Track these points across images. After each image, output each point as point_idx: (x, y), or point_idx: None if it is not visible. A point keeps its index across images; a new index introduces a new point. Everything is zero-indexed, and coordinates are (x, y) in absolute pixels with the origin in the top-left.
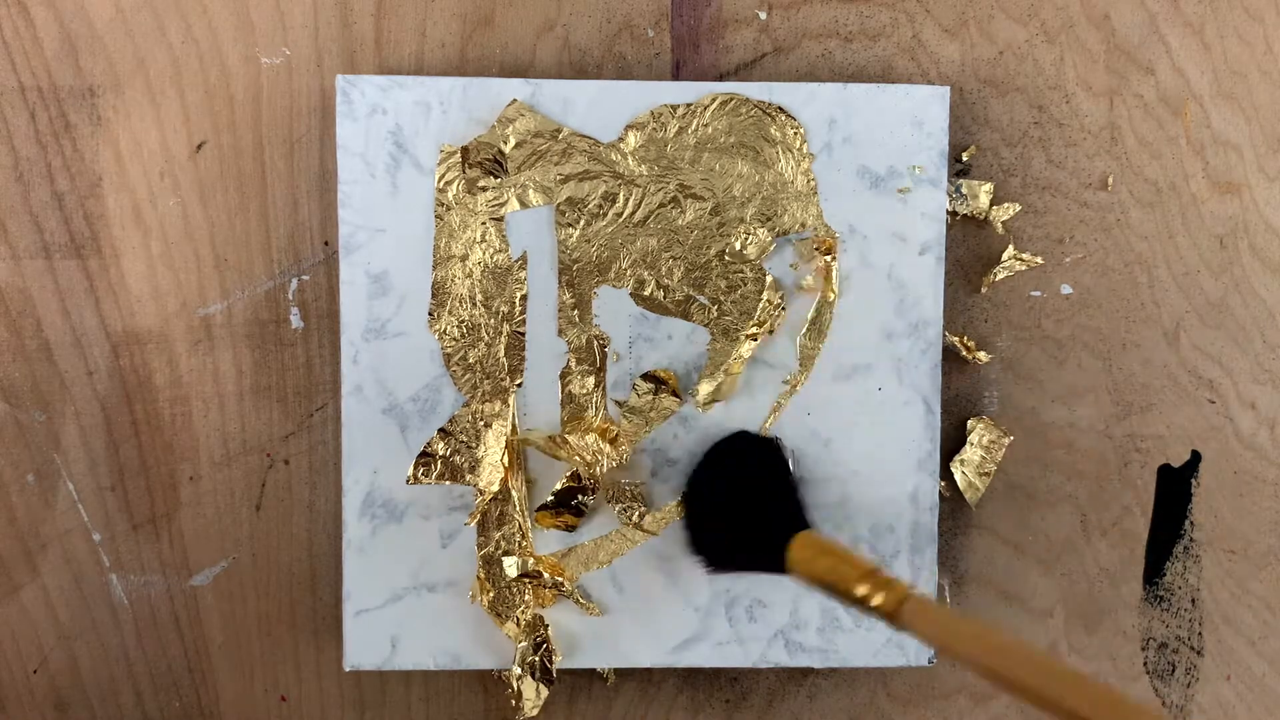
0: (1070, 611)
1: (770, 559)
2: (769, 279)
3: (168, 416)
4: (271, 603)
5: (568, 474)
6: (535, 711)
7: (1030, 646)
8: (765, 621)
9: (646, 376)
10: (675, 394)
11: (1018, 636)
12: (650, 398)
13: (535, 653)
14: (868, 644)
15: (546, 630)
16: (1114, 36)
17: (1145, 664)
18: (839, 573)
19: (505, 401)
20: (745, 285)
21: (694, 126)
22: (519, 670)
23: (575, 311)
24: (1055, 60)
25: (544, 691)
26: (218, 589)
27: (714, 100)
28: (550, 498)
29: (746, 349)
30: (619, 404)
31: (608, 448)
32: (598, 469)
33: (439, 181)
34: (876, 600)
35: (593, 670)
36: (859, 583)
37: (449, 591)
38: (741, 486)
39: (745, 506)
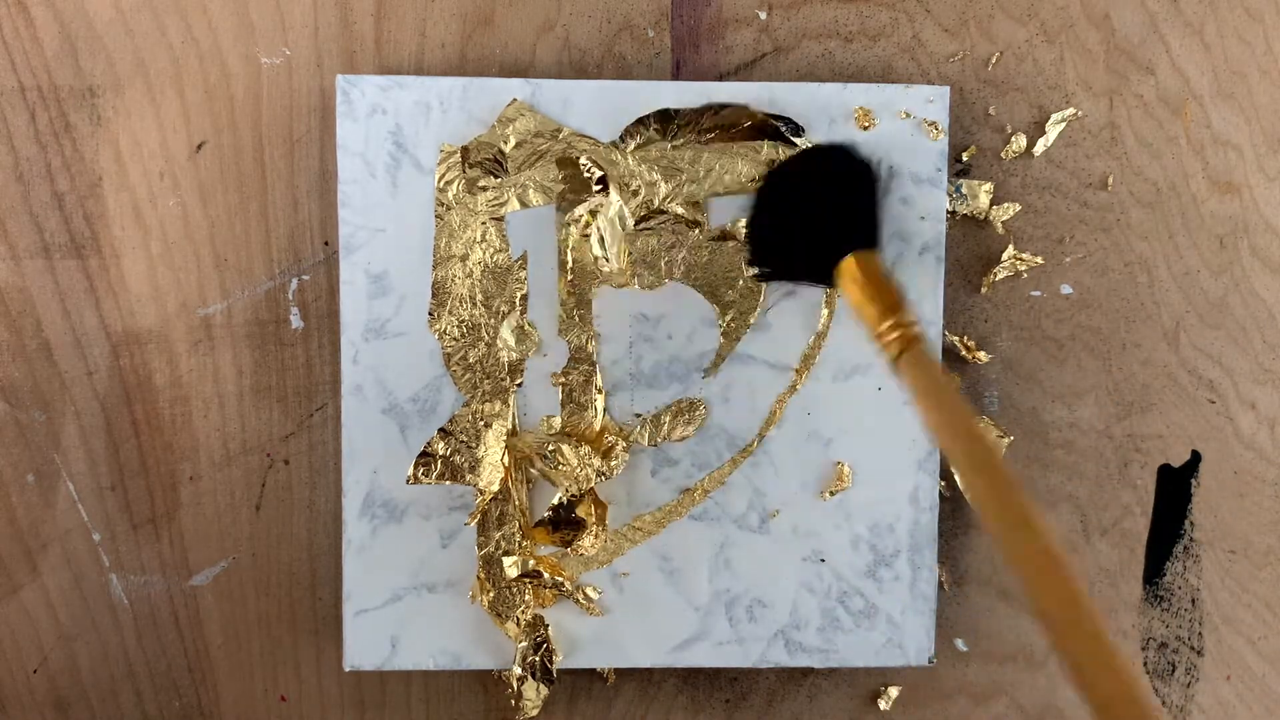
0: None
1: (820, 270)
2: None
3: (168, 416)
4: (271, 603)
5: (559, 498)
6: (535, 711)
7: (990, 446)
8: (765, 621)
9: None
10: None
11: (982, 424)
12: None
13: (535, 653)
14: (868, 644)
15: (546, 630)
16: (1114, 36)
17: (1145, 664)
18: (866, 306)
19: (505, 401)
20: (746, 284)
21: (694, 128)
22: (519, 670)
23: (575, 311)
24: (1055, 60)
25: (544, 691)
26: (218, 589)
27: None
28: (547, 514)
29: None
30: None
31: (598, 462)
32: (587, 484)
33: (439, 181)
34: (887, 345)
35: (593, 670)
36: (879, 321)
37: (449, 591)
38: (815, 194)
39: (812, 214)
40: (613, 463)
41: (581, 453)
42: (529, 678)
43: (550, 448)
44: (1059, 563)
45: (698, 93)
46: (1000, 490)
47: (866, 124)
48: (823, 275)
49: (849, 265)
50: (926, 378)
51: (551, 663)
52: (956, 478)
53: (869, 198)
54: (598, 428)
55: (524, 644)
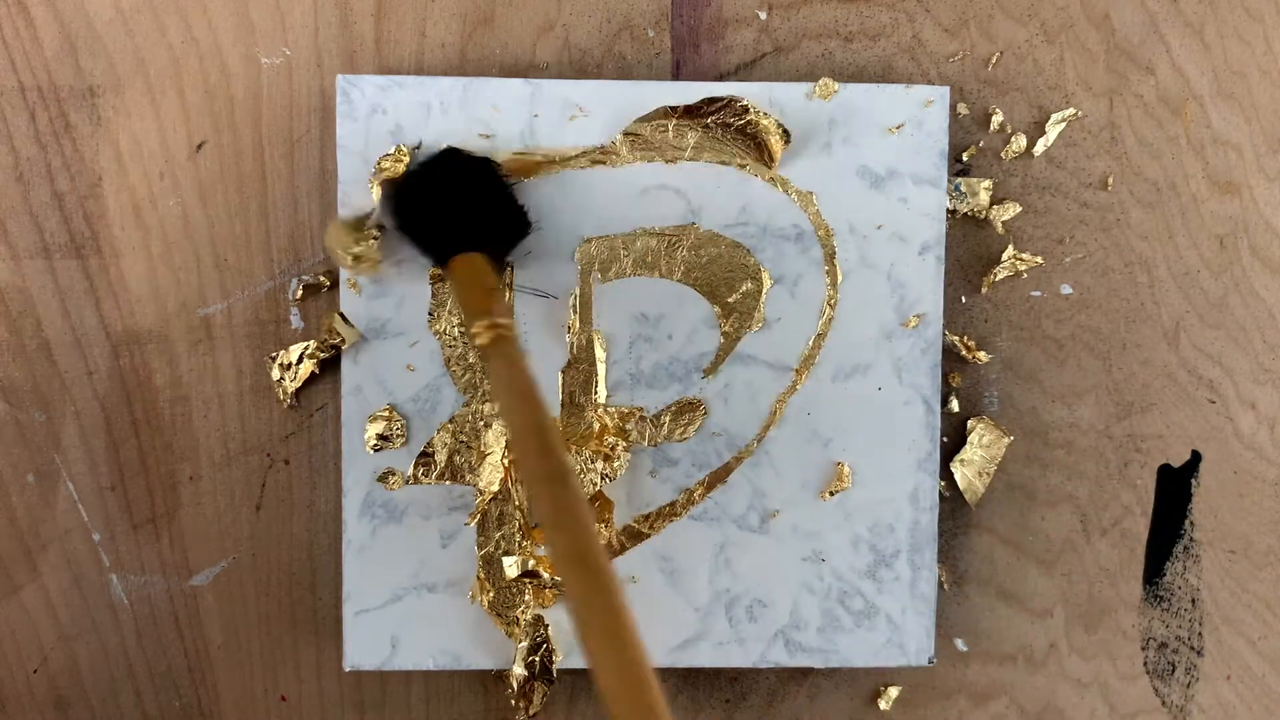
0: (1070, 611)
1: (438, 262)
2: (767, 279)
3: (168, 416)
4: (271, 603)
5: None
6: (536, 711)
7: (551, 454)
8: (765, 621)
9: None
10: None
11: (552, 430)
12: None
13: (535, 653)
14: (868, 644)
15: (546, 630)
16: (1114, 36)
17: (1145, 664)
18: (463, 306)
19: None
20: (746, 285)
21: (693, 126)
22: (520, 670)
23: (576, 311)
24: (1055, 60)
25: (544, 691)
26: (218, 589)
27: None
28: None
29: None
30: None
31: (601, 464)
32: (593, 489)
33: None
34: (479, 340)
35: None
36: (471, 321)
37: (449, 591)
38: (434, 196)
39: (427, 216)
40: (615, 464)
41: (583, 458)
42: (529, 678)
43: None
44: (613, 601)
45: (698, 93)
46: (556, 501)
47: (826, 94)
48: (440, 261)
49: (452, 268)
50: (506, 377)
51: (551, 663)
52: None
53: (482, 202)
54: (597, 429)
55: (524, 644)
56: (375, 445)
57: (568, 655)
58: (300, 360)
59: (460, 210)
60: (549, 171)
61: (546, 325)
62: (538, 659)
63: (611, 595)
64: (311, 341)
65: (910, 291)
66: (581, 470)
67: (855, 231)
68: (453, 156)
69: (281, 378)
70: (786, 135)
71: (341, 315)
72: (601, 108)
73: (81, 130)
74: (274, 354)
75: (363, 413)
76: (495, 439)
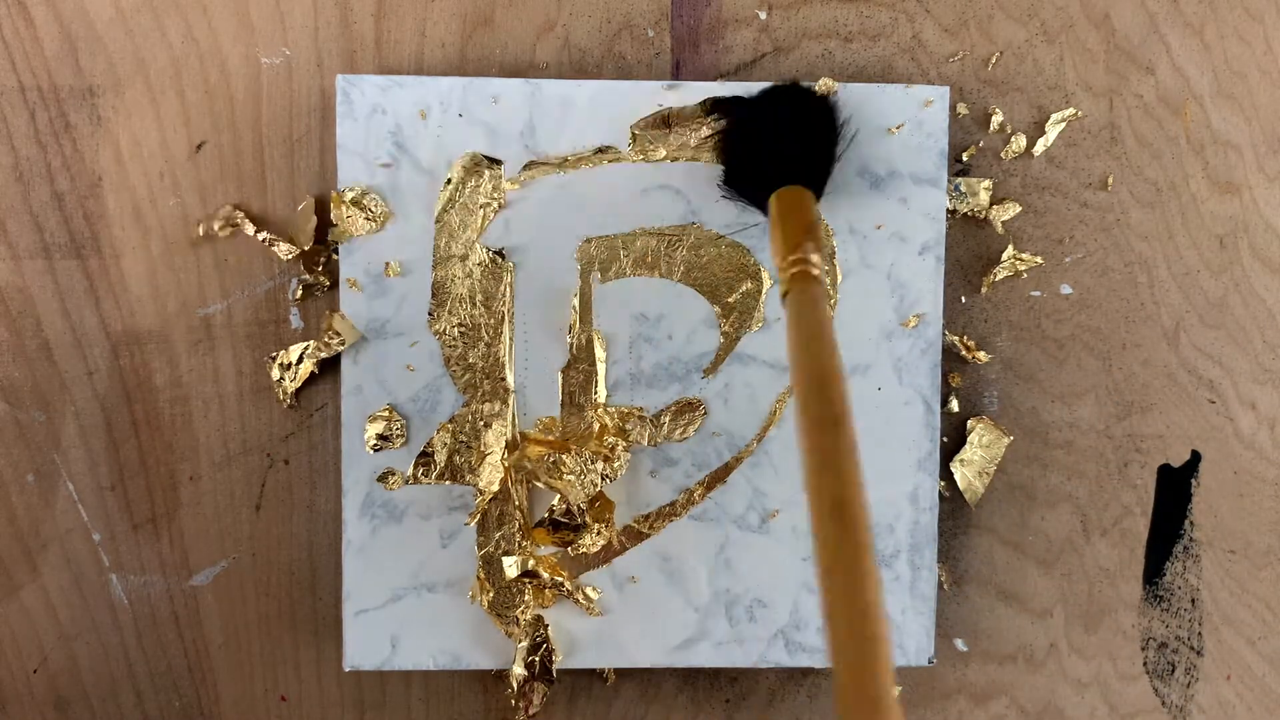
0: (1070, 611)
1: (758, 198)
2: (767, 279)
3: (168, 416)
4: (271, 603)
5: (558, 502)
6: (536, 711)
7: (833, 402)
8: (765, 621)
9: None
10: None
11: (839, 378)
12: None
13: (535, 653)
14: None
15: (546, 630)
16: (1114, 36)
17: (1145, 664)
18: (777, 239)
19: (505, 401)
20: (746, 285)
21: (693, 126)
22: (520, 670)
23: (576, 311)
24: (1055, 60)
25: (544, 691)
26: (218, 589)
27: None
28: (546, 515)
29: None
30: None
31: (601, 465)
32: (594, 490)
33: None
34: (784, 278)
35: (593, 670)
36: (784, 255)
37: (449, 591)
38: (768, 127)
39: (760, 146)
40: (615, 464)
41: (584, 459)
42: (530, 677)
43: (551, 460)
44: (863, 559)
45: (698, 93)
46: (826, 446)
47: (827, 90)
48: (759, 203)
49: (776, 198)
50: (804, 316)
51: (551, 663)
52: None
53: (819, 142)
54: (597, 429)
55: (524, 644)
56: (375, 445)
57: (568, 655)
58: (300, 360)
59: (796, 144)
60: (550, 172)
61: (547, 325)
62: (537, 659)
63: (862, 552)
64: (311, 342)
65: (910, 291)
66: (581, 470)
67: (855, 231)
68: (791, 91)
69: (281, 378)
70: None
71: (341, 314)
72: (602, 108)
73: (81, 130)
74: (274, 354)
75: (363, 413)
76: (495, 439)
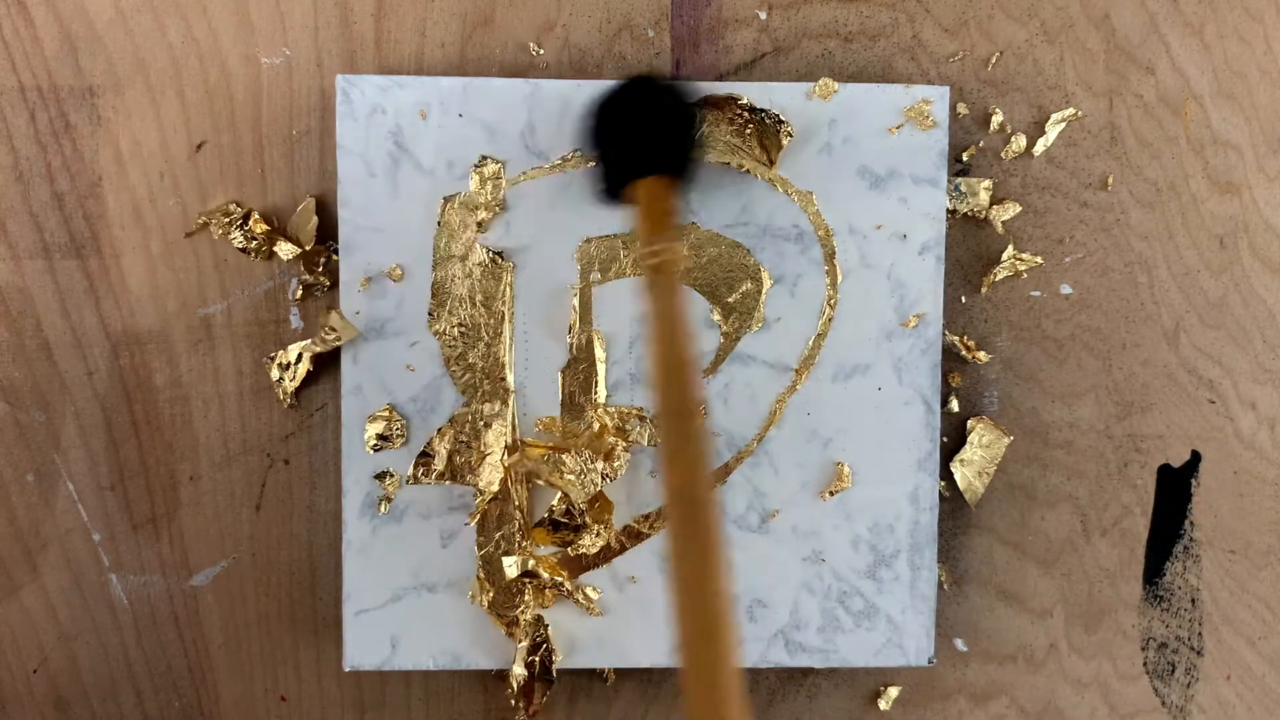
0: (1070, 611)
1: (619, 191)
2: (767, 279)
3: (168, 416)
4: (271, 603)
5: (558, 502)
6: (536, 711)
7: (683, 385)
8: (765, 621)
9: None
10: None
11: (687, 357)
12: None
13: (535, 653)
14: (868, 644)
15: (546, 630)
16: (1114, 36)
17: (1145, 664)
18: (640, 228)
19: (505, 401)
20: (745, 285)
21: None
22: (520, 670)
23: (576, 311)
24: (1055, 60)
25: (544, 691)
26: (218, 589)
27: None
28: (546, 515)
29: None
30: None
31: (601, 465)
32: (594, 489)
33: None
34: (645, 266)
35: (593, 670)
36: (644, 244)
37: (449, 591)
38: (626, 121)
39: (619, 140)
40: (615, 464)
41: (583, 459)
42: (530, 677)
43: (551, 459)
44: (707, 544)
45: (698, 93)
46: (677, 434)
47: (826, 94)
48: (621, 196)
49: (635, 190)
50: (661, 306)
51: (551, 663)
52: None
53: (672, 131)
54: (597, 429)
55: (524, 644)
56: (375, 445)
57: (568, 655)
58: (299, 359)
59: (653, 135)
60: (550, 172)
61: (547, 325)
62: (538, 659)
63: (708, 536)
64: (310, 340)
65: (910, 291)
66: (581, 470)
67: (855, 231)
68: (645, 84)
69: (281, 377)
70: (788, 131)
71: (338, 312)
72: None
73: (81, 130)
74: (273, 354)
75: (363, 413)
76: (495, 439)
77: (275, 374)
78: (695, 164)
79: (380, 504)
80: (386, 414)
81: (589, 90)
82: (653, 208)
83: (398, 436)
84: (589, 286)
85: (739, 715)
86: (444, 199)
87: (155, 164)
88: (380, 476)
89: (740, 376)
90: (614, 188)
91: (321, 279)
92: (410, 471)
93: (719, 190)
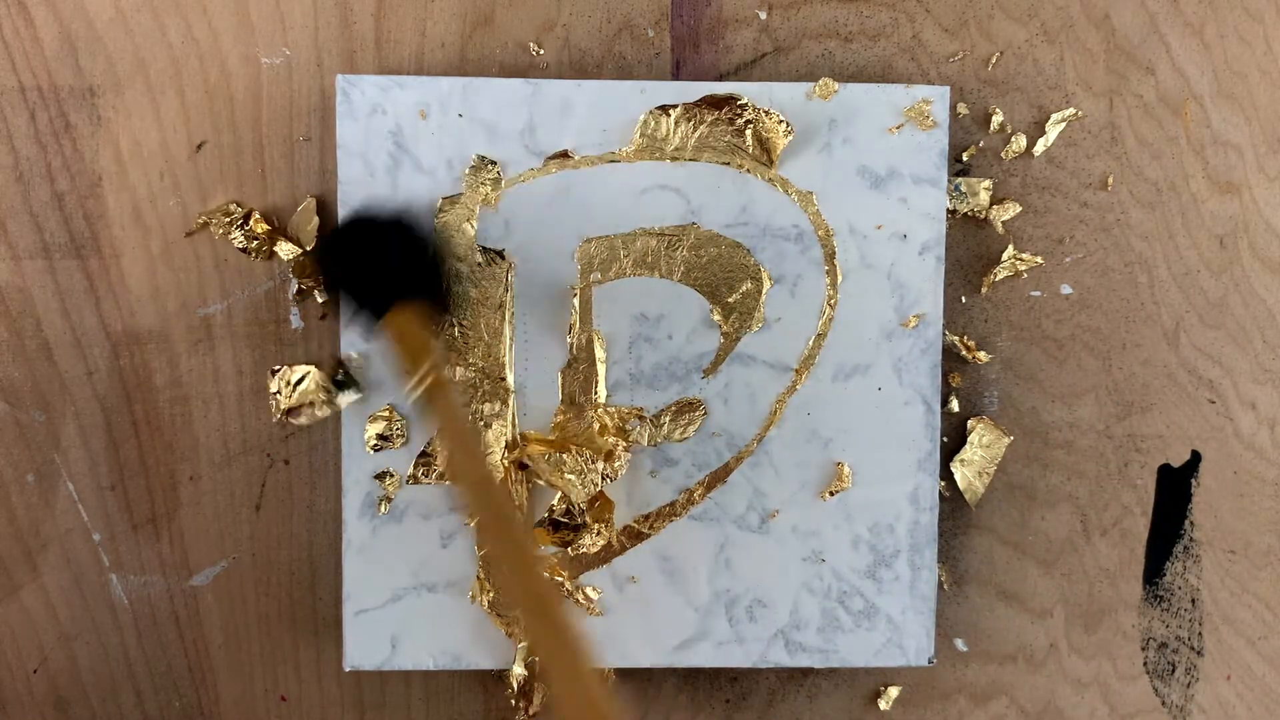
0: (1070, 611)
1: (369, 321)
2: (767, 279)
3: (168, 416)
4: (271, 603)
5: (558, 502)
6: (536, 711)
7: (496, 496)
8: (765, 621)
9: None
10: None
11: (488, 485)
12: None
13: (535, 653)
14: (868, 644)
15: None
16: (1114, 36)
17: (1145, 664)
18: (400, 361)
19: (505, 401)
20: (745, 285)
21: (693, 125)
22: (520, 670)
23: (576, 311)
24: (1055, 60)
25: (544, 691)
26: (218, 589)
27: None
28: (546, 515)
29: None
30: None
31: (601, 465)
32: (595, 489)
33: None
34: (418, 394)
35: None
36: (410, 374)
37: (449, 591)
38: (361, 260)
39: (357, 280)
40: (616, 464)
41: (583, 459)
42: (530, 677)
43: (551, 459)
44: (562, 633)
45: (698, 93)
46: (508, 555)
47: (826, 94)
48: (372, 320)
49: (385, 328)
50: (448, 425)
51: None
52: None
53: (406, 262)
54: (597, 429)
55: (524, 644)
56: (375, 445)
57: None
58: (302, 380)
59: (379, 275)
60: (550, 172)
61: (547, 325)
62: (538, 659)
63: (564, 636)
64: (314, 377)
65: (910, 291)
66: (582, 470)
67: (855, 231)
68: (363, 224)
69: (279, 390)
70: (788, 130)
71: (339, 377)
72: (601, 108)
73: (81, 130)
74: (277, 367)
75: (363, 413)
76: (495, 439)
77: (274, 386)
78: (436, 283)
79: (380, 504)
80: (386, 414)
81: (589, 90)
82: (404, 340)
83: (398, 436)
84: (589, 286)
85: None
86: (444, 199)
87: (155, 164)
88: (380, 476)
89: (740, 376)
90: (367, 324)
91: (311, 285)
92: (410, 471)
93: (719, 190)
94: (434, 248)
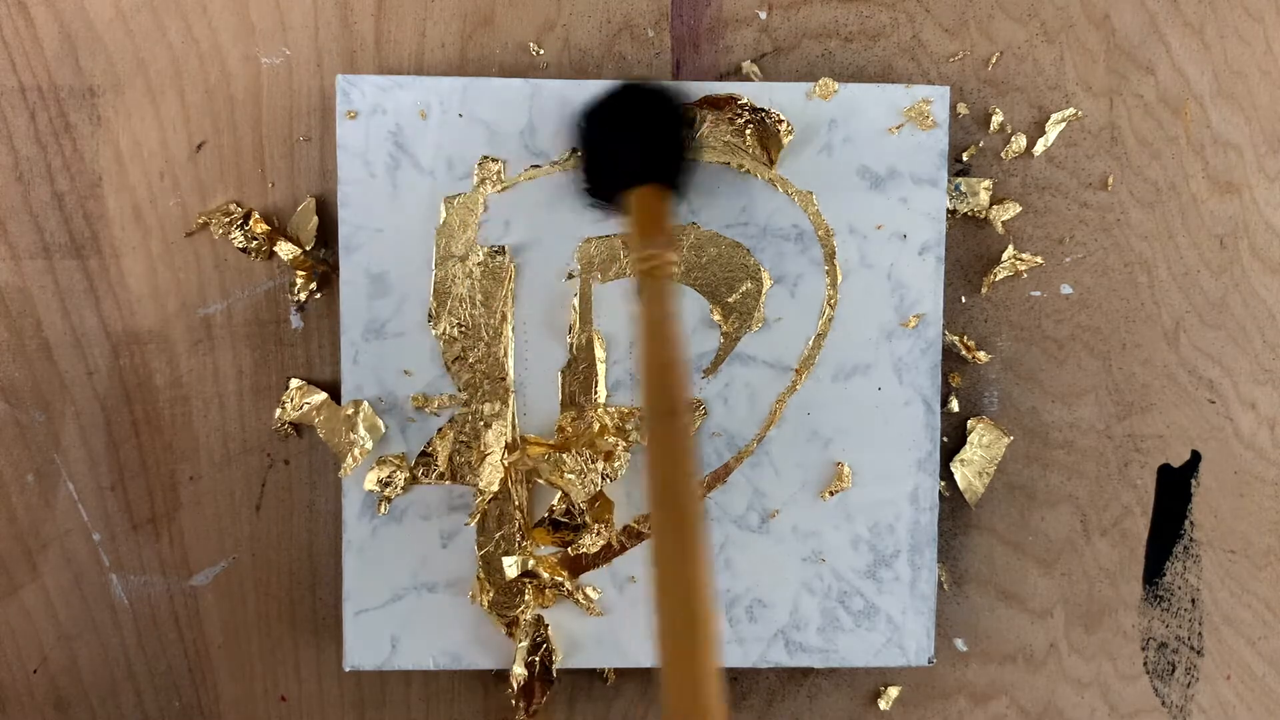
0: (1070, 611)
1: (614, 198)
2: (767, 279)
3: (168, 416)
4: (271, 603)
5: (558, 502)
6: (536, 711)
7: (673, 396)
8: (765, 621)
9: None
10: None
11: (678, 368)
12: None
13: (535, 653)
14: (868, 644)
15: (546, 630)
16: (1114, 36)
17: (1145, 664)
18: (633, 234)
19: (505, 401)
20: (745, 285)
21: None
22: (520, 670)
23: (576, 311)
24: (1055, 60)
25: (544, 691)
26: (218, 589)
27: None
28: (546, 515)
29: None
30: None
31: (601, 465)
32: (595, 489)
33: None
34: (638, 271)
35: (593, 670)
36: (638, 249)
37: (449, 591)
38: (619, 129)
39: (613, 147)
40: (615, 464)
41: (584, 458)
42: (530, 677)
43: (551, 459)
44: (690, 541)
45: (698, 93)
46: (663, 436)
47: (826, 94)
48: (616, 202)
49: (630, 199)
50: (652, 309)
51: (551, 663)
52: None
53: (667, 140)
54: (597, 429)
55: (524, 644)
56: (372, 490)
57: (568, 655)
58: (311, 401)
59: (646, 143)
60: (550, 172)
61: (547, 325)
62: (538, 659)
63: (692, 536)
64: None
65: (910, 291)
66: (582, 470)
67: (855, 231)
68: (638, 90)
69: (285, 403)
70: (789, 130)
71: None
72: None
73: (81, 130)
74: (287, 397)
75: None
76: (495, 439)
77: (278, 413)
78: (689, 171)
79: (380, 504)
80: (397, 461)
81: (589, 90)
82: (646, 216)
83: (396, 486)
84: (589, 286)
85: (718, 713)
86: (444, 199)
87: (155, 164)
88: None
89: (740, 376)
90: (607, 193)
91: (310, 284)
92: (410, 472)
93: (719, 190)
94: (694, 129)
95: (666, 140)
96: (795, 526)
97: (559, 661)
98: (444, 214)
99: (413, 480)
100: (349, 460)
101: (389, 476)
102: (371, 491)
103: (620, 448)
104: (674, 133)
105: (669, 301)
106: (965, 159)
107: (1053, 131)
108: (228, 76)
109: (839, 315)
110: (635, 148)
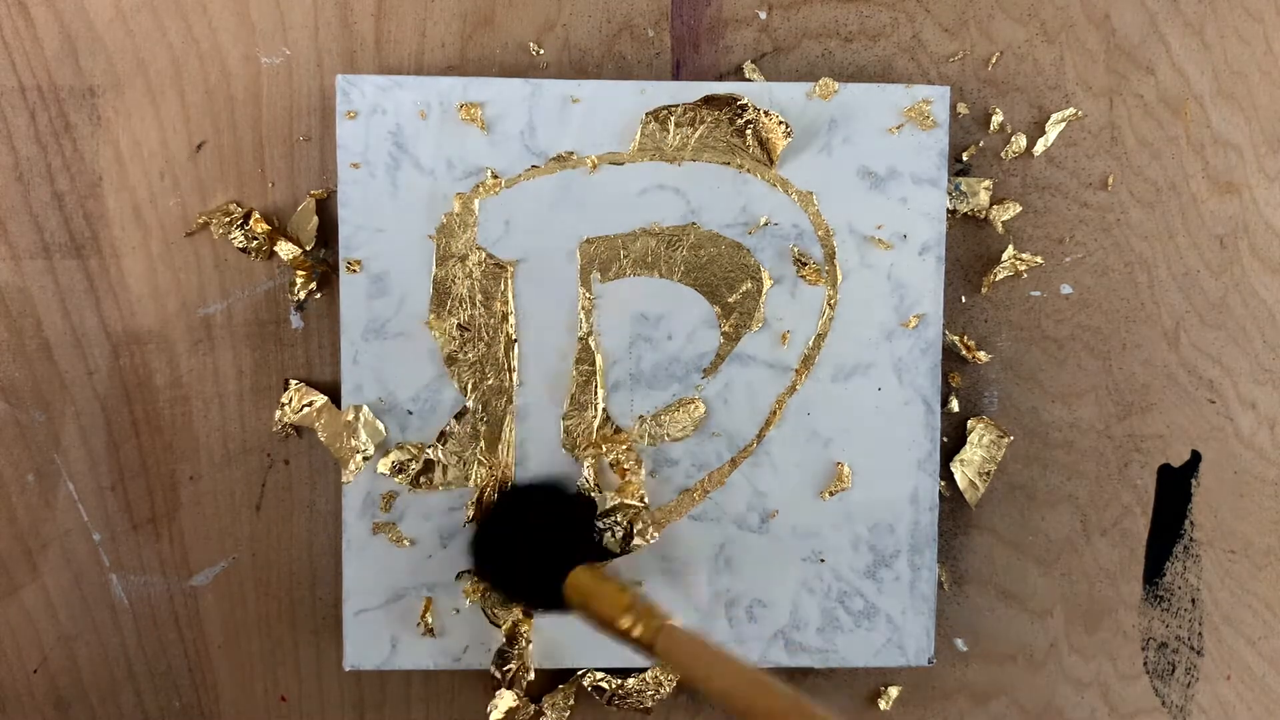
0: (1070, 611)
1: (549, 593)
2: (767, 279)
3: (168, 416)
4: (271, 603)
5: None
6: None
7: (771, 682)
8: (765, 621)
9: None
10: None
11: (761, 672)
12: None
13: (507, 663)
14: (868, 644)
15: (527, 645)
16: (1114, 36)
17: (1145, 664)
18: (602, 613)
19: (505, 401)
20: (746, 285)
21: (693, 125)
22: (495, 672)
23: (576, 311)
24: (1055, 60)
25: (514, 698)
26: (218, 589)
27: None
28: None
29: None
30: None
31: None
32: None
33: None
34: (636, 632)
35: (592, 671)
36: (619, 621)
37: (449, 591)
38: (531, 529)
39: (530, 547)
40: (632, 485)
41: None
42: (504, 686)
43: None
44: None
45: (698, 93)
46: None
47: (826, 94)
48: (553, 597)
49: (573, 582)
50: (692, 653)
51: (525, 674)
52: None
53: (578, 521)
54: (596, 428)
55: (500, 647)
56: (387, 471)
57: (564, 657)
58: (311, 404)
59: (567, 533)
60: (550, 172)
61: (547, 325)
62: (514, 668)
63: None
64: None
65: (910, 291)
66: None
67: (855, 231)
68: (537, 491)
69: (285, 404)
70: (788, 131)
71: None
72: (601, 108)
73: (81, 130)
74: (286, 397)
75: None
76: (495, 439)
77: (285, 398)
78: (591, 536)
79: (380, 504)
80: (415, 450)
81: (589, 90)
82: (601, 590)
83: (411, 468)
84: (589, 286)
85: None
86: (444, 199)
87: (155, 164)
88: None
89: (740, 376)
90: (547, 599)
91: (309, 284)
92: (411, 474)
93: (719, 190)
94: (577, 502)
95: (565, 527)
96: (795, 526)
97: (562, 663)
98: (444, 214)
99: (425, 470)
100: (352, 466)
101: (404, 464)
102: (383, 475)
103: (630, 474)
104: (569, 515)
105: (694, 636)
106: (965, 159)
107: (1053, 131)
108: (228, 76)
109: (839, 315)
110: (541, 550)
